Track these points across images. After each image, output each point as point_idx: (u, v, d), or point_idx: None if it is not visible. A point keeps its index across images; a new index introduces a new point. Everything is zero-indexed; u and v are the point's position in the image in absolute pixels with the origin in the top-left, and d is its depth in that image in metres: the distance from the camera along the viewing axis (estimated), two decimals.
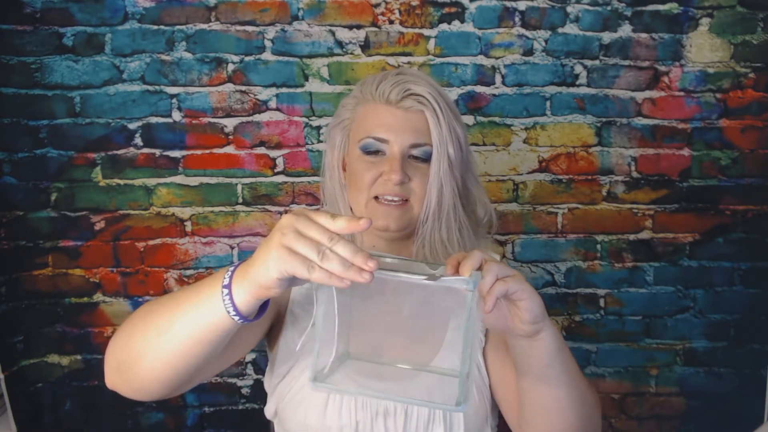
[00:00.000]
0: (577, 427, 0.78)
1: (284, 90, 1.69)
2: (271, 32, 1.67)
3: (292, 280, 0.61)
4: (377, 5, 1.68)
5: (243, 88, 1.69)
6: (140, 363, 0.70)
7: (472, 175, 0.99)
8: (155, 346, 0.68)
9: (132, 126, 1.68)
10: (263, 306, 0.68)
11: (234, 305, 0.63)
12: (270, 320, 0.94)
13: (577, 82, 1.72)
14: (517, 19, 1.69)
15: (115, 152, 1.68)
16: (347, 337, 0.67)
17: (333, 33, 1.68)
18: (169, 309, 0.69)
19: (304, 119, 1.70)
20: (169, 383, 0.71)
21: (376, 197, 0.91)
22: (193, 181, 1.71)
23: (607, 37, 1.70)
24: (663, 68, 1.72)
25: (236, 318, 0.64)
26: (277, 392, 0.94)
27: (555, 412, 0.77)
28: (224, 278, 0.64)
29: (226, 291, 0.63)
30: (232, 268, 0.65)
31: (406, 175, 0.90)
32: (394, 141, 0.90)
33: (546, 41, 1.70)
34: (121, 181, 1.69)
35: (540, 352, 0.71)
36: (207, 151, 1.70)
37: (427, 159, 0.92)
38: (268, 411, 0.98)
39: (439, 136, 0.90)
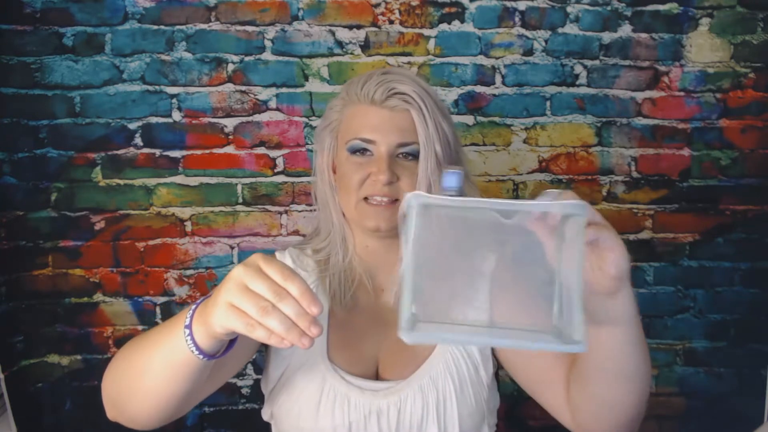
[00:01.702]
0: (642, 401, 0.74)
1: (284, 90, 1.69)
2: (271, 32, 1.67)
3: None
4: (377, 5, 1.68)
5: (243, 88, 1.69)
6: (130, 402, 0.73)
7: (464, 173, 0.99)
8: (139, 387, 0.71)
9: (132, 126, 1.68)
10: (233, 340, 0.68)
11: (197, 345, 0.64)
12: None
13: (577, 82, 1.72)
14: (517, 19, 1.69)
15: (115, 152, 1.68)
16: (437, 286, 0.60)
17: (333, 33, 1.68)
18: (145, 350, 0.71)
19: (304, 119, 1.70)
20: (162, 415, 0.73)
21: (365, 198, 0.91)
22: (193, 181, 1.71)
23: (607, 37, 1.70)
24: (663, 68, 1.71)
25: (201, 357, 0.65)
26: (271, 395, 0.94)
27: (629, 381, 0.73)
28: (186, 318, 0.65)
29: (187, 332, 0.64)
30: (194, 307, 0.66)
31: (395, 174, 0.89)
32: (380, 141, 0.90)
33: (546, 41, 1.70)
34: (121, 181, 1.69)
35: (618, 311, 0.66)
36: (207, 151, 1.70)
37: (415, 158, 0.91)
38: (265, 413, 0.98)
39: (425, 134, 0.90)
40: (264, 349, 0.98)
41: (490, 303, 0.61)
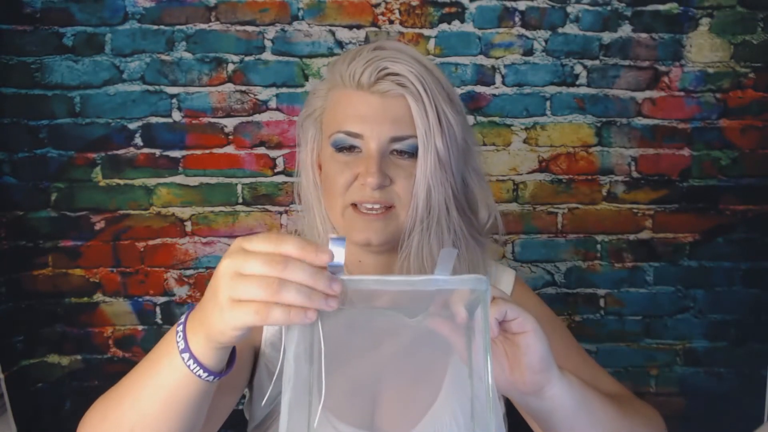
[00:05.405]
0: None
1: (284, 90, 1.69)
2: (271, 32, 1.67)
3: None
4: (377, 5, 1.68)
5: (243, 88, 1.69)
6: None
7: (474, 172, 0.82)
8: None
9: (132, 126, 1.68)
10: (233, 354, 0.59)
11: (202, 365, 0.54)
12: (252, 355, 0.83)
13: (577, 82, 1.72)
14: (517, 19, 1.69)
15: (115, 152, 1.68)
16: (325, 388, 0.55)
17: (333, 33, 1.68)
18: (131, 403, 0.58)
19: None
20: None
21: (353, 204, 0.76)
22: (193, 181, 1.71)
23: (607, 37, 1.70)
24: (663, 68, 1.71)
25: (209, 377, 0.55)
26: (256, 429, 0.85)
27: None
28: (178, 342, 0.54)
29: (187, 356, 0.54)
30: (180, 329, 0.55)
31: (387, 176, 0.74)
32: (369, 135, 0.74)
33: (546, 41, 1.70)
34: (121, 181, 1.69)
35: (548, 411, 0.60)
36: (207, 151, 1.70)
37: (413, 154, 0.75)
38: None
39: (424, 125, 0.73)
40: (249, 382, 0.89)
41: (376, 405, 0.58)
